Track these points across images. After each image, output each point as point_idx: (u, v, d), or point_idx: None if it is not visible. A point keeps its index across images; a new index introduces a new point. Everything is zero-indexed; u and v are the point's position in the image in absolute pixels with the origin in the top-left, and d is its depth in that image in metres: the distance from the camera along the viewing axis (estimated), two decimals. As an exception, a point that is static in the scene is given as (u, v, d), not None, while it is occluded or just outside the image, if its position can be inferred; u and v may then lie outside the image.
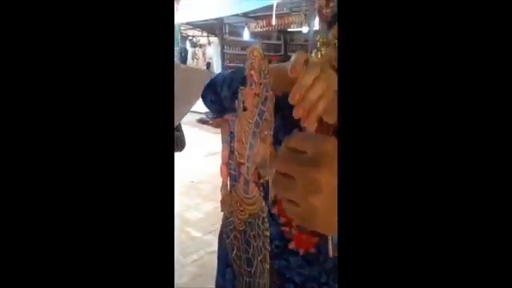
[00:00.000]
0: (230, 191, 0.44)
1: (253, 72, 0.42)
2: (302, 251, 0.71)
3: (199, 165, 3.31)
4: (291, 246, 0.71)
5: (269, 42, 7.32)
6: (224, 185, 0.45)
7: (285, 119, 0.74)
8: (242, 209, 0.43)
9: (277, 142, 0.58)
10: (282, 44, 7.56)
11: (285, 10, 5.52)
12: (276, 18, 5.03)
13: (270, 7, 4.64)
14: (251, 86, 0.42)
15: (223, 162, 0.44)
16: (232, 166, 0.43)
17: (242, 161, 0.41)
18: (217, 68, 6.32)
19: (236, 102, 0.44)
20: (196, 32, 7.05)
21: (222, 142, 0.44)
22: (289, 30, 6.44)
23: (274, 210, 0.64)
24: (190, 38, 7.19)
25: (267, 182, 0.41)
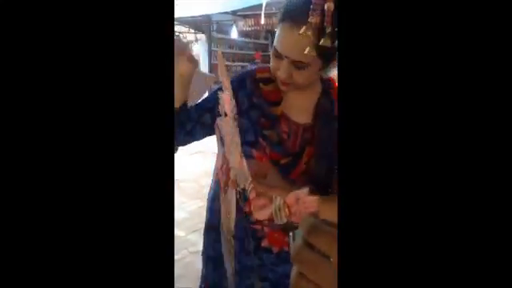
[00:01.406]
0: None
1: (224, 78, 0.42)
2: (275, 249, 0.71)
3: (185, 163, 3.28)
4: (264, 243, 0.72)
5: (257, 41, 7.33)
6: (221, 190, 0.45)
7: (250, 121, 0.75)
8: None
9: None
10: (269, 44, 7.59)
11: (274, 10, 5.53)
12: (265, 17, 5.03)
13: (259, 6, 4.64)
14: (225, 90, 0.41)
15: (218, 167, 0.43)
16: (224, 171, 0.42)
17: (230, 165, 0.40)
18: (204, 66, 6.26)
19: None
20: (183, 28, 6.98)
21: (217, 147, 0.44)
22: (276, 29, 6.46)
23: (246, 209, 0.64)
24: (177, 34, 7.12)
25: (243, 190, 0.40)
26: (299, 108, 0.75)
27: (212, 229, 0.83)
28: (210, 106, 0.78)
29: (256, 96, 0.75)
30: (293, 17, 0.63)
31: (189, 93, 0.79)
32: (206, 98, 0.81)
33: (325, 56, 0.65)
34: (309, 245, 0.25)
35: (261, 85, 0.75)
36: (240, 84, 0.77)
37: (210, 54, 6.40)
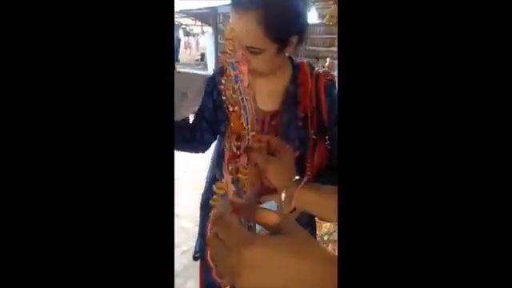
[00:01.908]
0: None
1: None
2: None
3: (194, 155, 3.29)
4: None
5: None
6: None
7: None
8: None
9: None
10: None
11: (280, 1, 5.44)
12: (271, 8, 4.96)
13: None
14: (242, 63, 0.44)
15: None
16: None
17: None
18: (210, 59, 6.24)
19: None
20: (190, 21, 6.95)
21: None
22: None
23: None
24: (183, 26, 7.08)
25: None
26: (266, 95, 0.76)
27: (205, 207, 0.90)
28: (202, 114, 0.84)
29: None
30: (240, 4, 0.64)
31: (185, 96, 0.83)
32: (199, 107, 0.87)
33: (278, 39, 0.66)
34: (215, 233, 0.26)
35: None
36: (213, 81, 0.81)
37: (217, 46, 6.36)
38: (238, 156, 0.46)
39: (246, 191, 0.48)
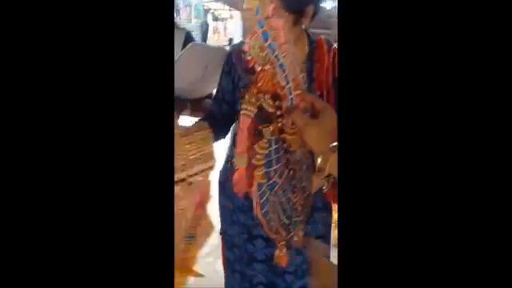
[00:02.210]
0: None
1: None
2: None
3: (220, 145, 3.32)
4: None
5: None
6: None
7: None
8: None
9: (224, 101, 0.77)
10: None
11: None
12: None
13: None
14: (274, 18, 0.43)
15: None
16: None
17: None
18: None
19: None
20: (219, 5, 6.92)
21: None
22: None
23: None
24: (212, 11, 7.07)
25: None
26: None
27: (223, 183, 0.92)
28: (222, 97, 0.84)
29: (237, 67, 0.78)
30: None
31: (202, 69, 0.83)
32: (217, 90, 0.86)
33: (295, 10, 0.66)
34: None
35: (242, 55, 0.79)
36: (230, 60, 0.82)
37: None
38: (279, 116, 0.43)
39: (295, 151, 0.45)
